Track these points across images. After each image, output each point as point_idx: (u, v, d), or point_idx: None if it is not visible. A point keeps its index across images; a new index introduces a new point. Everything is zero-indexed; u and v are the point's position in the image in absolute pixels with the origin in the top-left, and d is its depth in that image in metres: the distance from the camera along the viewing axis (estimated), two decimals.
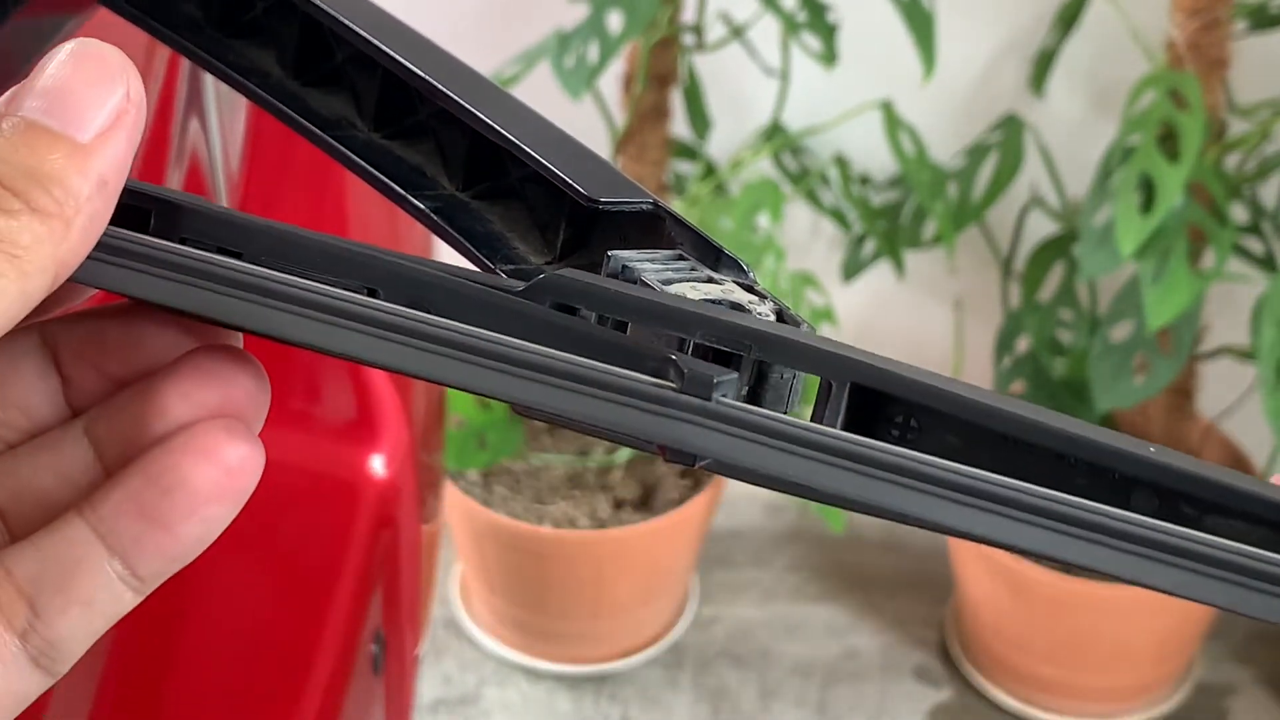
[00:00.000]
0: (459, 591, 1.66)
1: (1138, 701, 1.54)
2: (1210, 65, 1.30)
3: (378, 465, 0.66)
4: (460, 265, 0.31)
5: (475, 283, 0.29)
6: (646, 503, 1.54)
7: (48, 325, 0.30)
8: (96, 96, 0.27)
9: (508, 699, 1.56)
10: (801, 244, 1.65)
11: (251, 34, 0.38)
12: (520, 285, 0.29)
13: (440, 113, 0.35)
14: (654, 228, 0.33)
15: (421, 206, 0.35)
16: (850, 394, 0.28)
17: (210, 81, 0.69)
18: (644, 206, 0.33)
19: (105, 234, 0.28)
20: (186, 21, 0.38)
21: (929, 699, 1.57)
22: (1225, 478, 0.27)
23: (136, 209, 0.29)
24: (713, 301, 0.30)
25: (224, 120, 0.71)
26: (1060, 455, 0.27)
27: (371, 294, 0.29)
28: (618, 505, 1.54)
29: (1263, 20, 1.33)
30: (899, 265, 1.46)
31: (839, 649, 1.62)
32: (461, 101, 0.34)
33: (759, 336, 0.29)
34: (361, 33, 0.35)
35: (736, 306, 0.31)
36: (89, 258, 0.27)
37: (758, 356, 0.29)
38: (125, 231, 0.28)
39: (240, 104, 0.75)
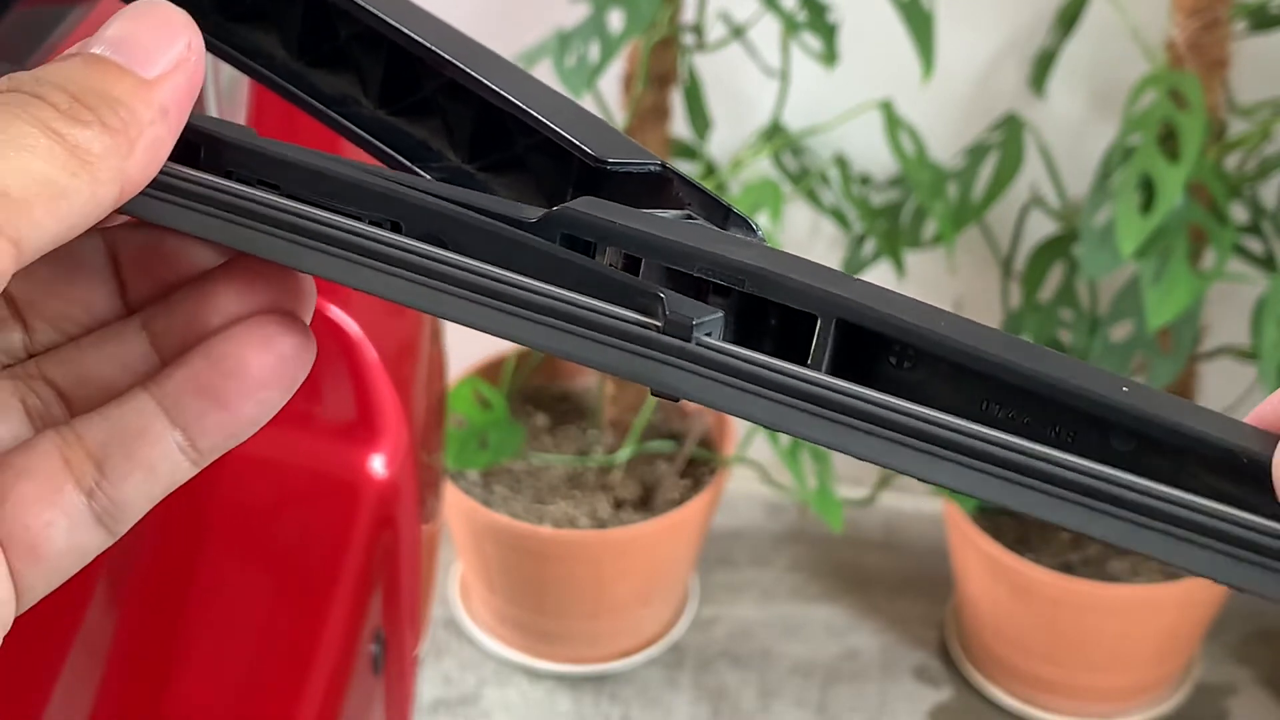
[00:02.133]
0: (459, 591, 1.66)
1: (1138, 701, 1.54)
2: (1210, 65, 1.30)
3: (378, 465, 0.66)
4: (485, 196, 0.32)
5: (493, 215, 0.30)
6: (646, 503, 1.54)
7: (109, 231, 0.33)
8: (160, 43, 0.29)
9: (508, 699, 1.56)
10: (801, 244, 1.65)
11: (254, 17, 0.38)
12: (534, 217, 0.30)
13: (446, 86, 0.35)
14: (662, 188, 0.33)
15: (429, 179, 0.35)
16: (839, 328, 0.28)
17: (211, 80, 0.69)
18: (652, 167, 0.33)
19: (161, 170, 0.30)
20: (190, 6, 0.38)
21: (929, 699, 1.57)
22: (1198, 423, 0.26)
23: (188, 143, 0.31)
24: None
25: (224, 118, 0.71)
26: (1044, 394, 0.27)
27: (394, 227, 0.30)
28: (618, 505, 1.54)
29: (1263, 20, 1.33)
30: (899, 265, 1.46)
31: (839, 649, 1.62)
32: (469, 70, 0.34)
33: (751, 271, 0.29)
34: (367, 7, 0.35)
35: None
36: (146, 193, 0.30)
37: (750, 290, 0.29)
38: (176, 166, 0.31)
39: (240, 102, 0.75)
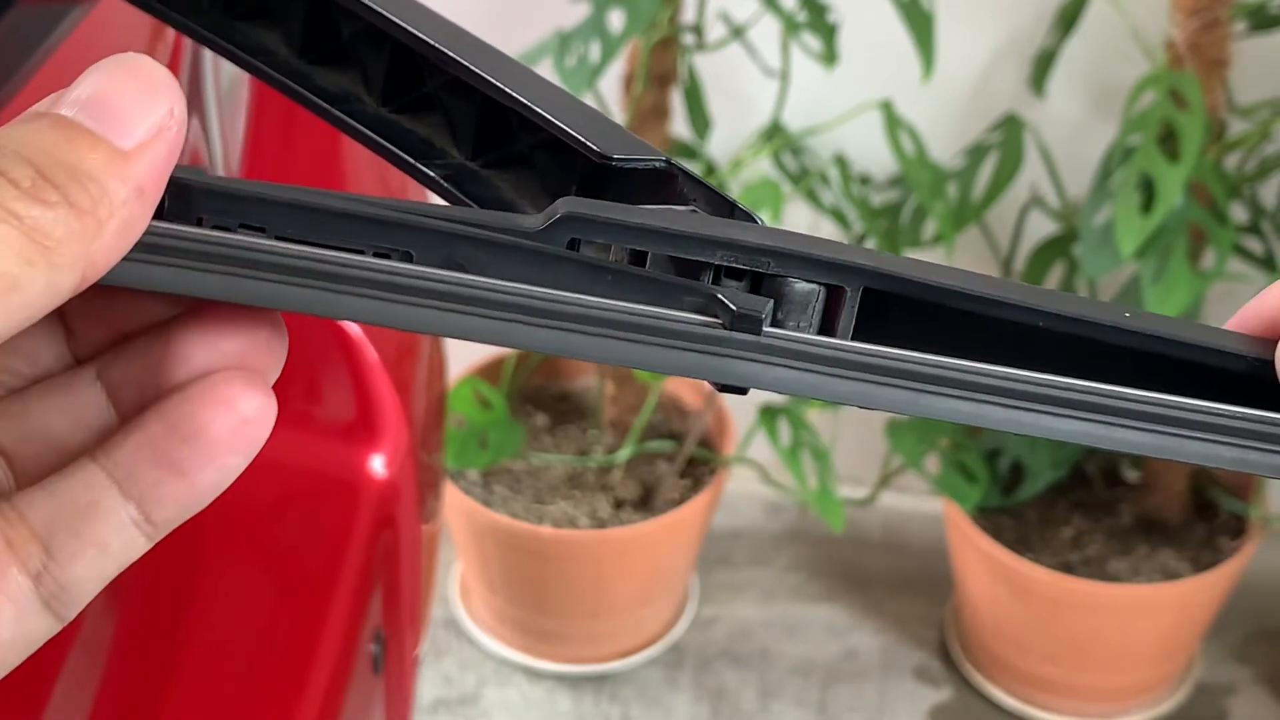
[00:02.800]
0: (459, 591, 1.66)
1: (1138, 701, 1.54)
2: (1210, 65, 1.30)
3: (378, 465, 0.66)
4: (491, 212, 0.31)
5: (500, 231, 0.29)
6: (646, 503, 1.54)
7: None
8: (140, 108, 0.26)
9: (508, 699, 1.56)
10: None
11: (257, 14, 0.38)
12: (537, 226, 0.29)
13: (449, 83, 0.35)
14: (667, 185, 0.33)
15: (432, 175, 0.35)
16: (865, 296, 0.30)
17: (210, 81, 0.69)
18: (657, 164, 0.33)
19: None
20: (192, 4, 0.38)
21: (929, 699, 1.57)
22: (1198, 335, 0.30)
23: None
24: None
25: (224, 119, 0.71)
26: (1072, 334, 0.30)
27: (406, 257, 0.29)
28: (618, 505, 1.54)
29: (1263, 20, 1.33)
30: None
31: (839, 649, 1.62)
32: (472, 66, 0.34)
33: (775, 251, 0.30)
34: (370, 4, 0.35)
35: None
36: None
37: (775, 271, 0.30)
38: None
39: (240, 103, 0.75)
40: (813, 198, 1.49)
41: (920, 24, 1.31)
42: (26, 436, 0.30)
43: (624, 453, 1.54)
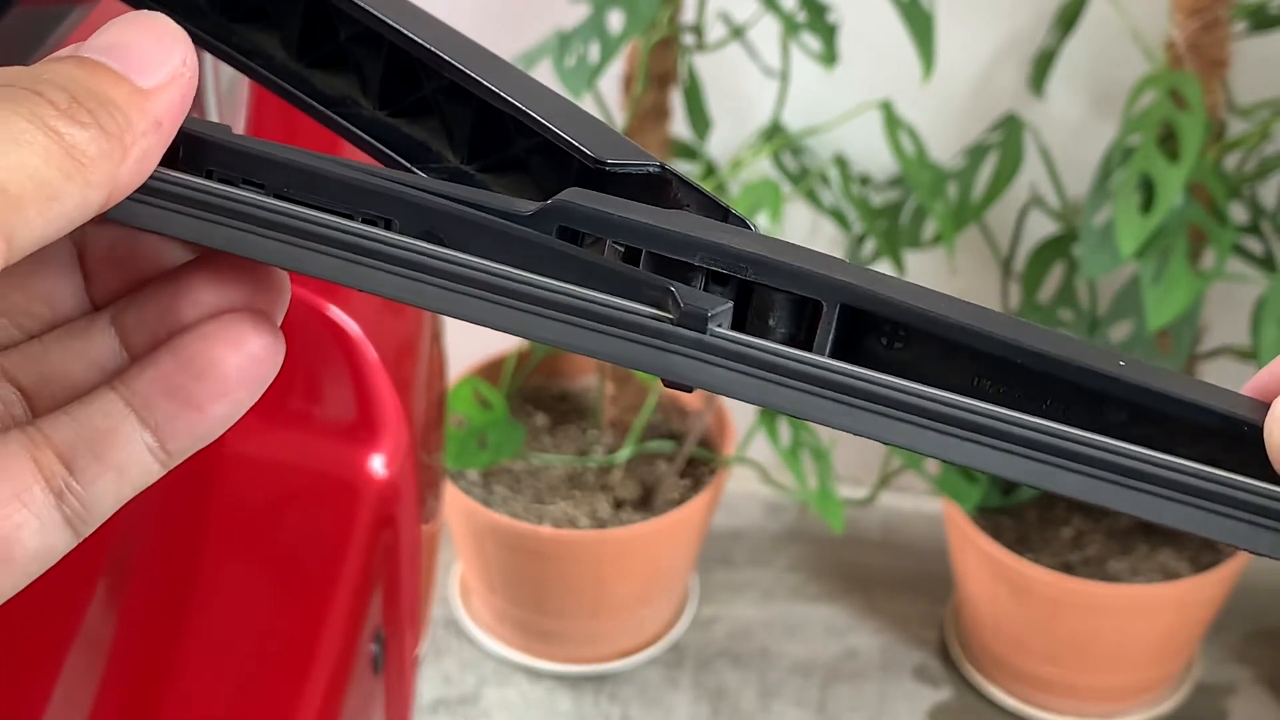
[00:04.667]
0: (459, 591, 1.66)
1: (1138, 701, 1.54)
2: (1210, 65, 1.30)
3: (378, 465, 0.66)
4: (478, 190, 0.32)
5: (489, 210, 0.30)
6: (646, 503, 1.54)
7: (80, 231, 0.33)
8: (156, 54, 0.29)
9: (508, 699, 1.56)
10: (802, 243, 1.65)
11: (254, 17, 0.38)
12: (528, 211, 0.30)
13: (445, 88, 0.35)
14: (661, 190, 0.33)
15: (422, 176, 0.35)
16: (842, 312, 0.29)
17: (210, 81, 0.69)
18: (651, 169, 0.33)
19: None
20: (190, 6, 0.38)
21: (929, 699, 1.57)
22: (1190, 392, 0.28)
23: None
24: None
25: (223, 121, 0.71)
26: (1042, 371, 0.28)
27: (387, 225, 0.30)
28: (618, 505, 1.54)
29: (1263, 20, 1.33)
30: (899, 265, 1.46)
31: (839, 649, 1.62)
32: (468, 71, 0.34)
33: (755, 259, 0.29)
34: (367, 8, 0.35)
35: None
36: (128, 197, 0.29)
37: (753, 278, 0.29)
38: (159, 168, 0.30)
39: (240, 105, 0.75)
40: (813, 198, 1.49)
41: (920, 24, 1.31)
42: (45, 377, 0.32)
43: (624, 453, 1.54)
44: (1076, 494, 0.27)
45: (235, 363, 0.31)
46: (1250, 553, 0.27)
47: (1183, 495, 0.27)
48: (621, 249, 0.31)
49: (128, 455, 0.31)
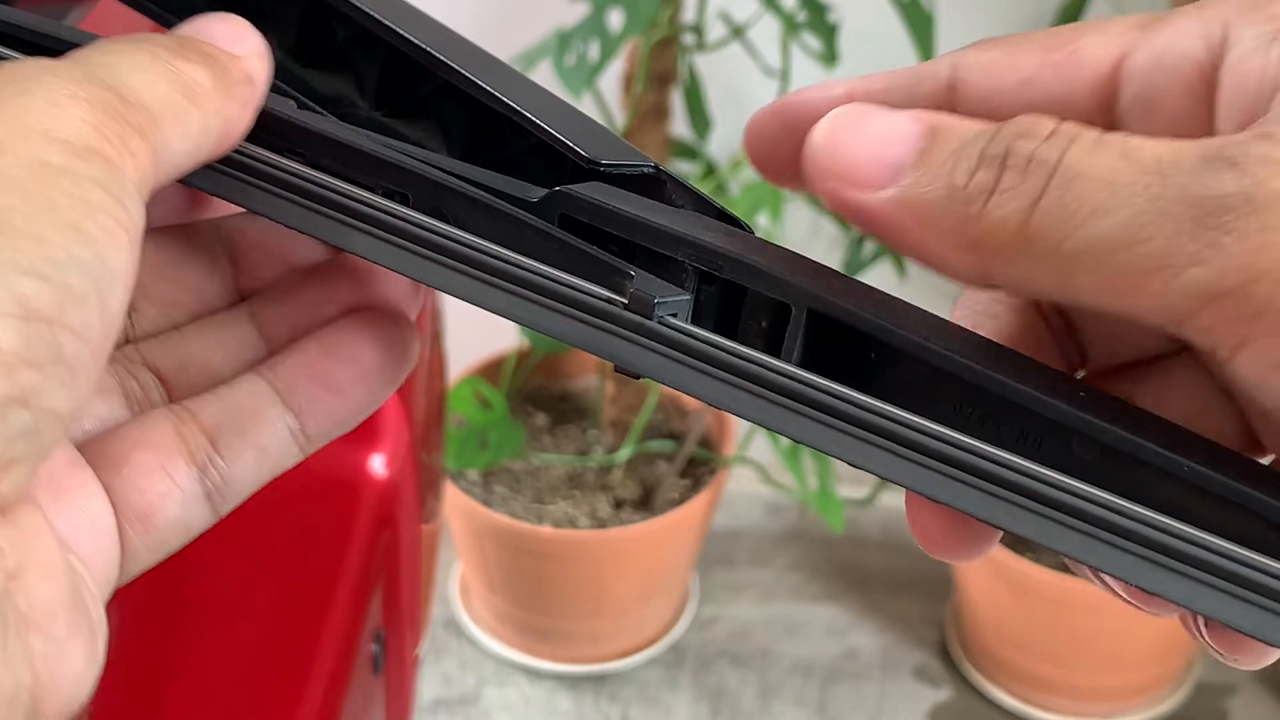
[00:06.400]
0: (459, 591, 1.66)
1: (1138, 701, 1.54)
2: None
3: (378, 465, 0.66)
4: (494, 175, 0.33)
5: (496, 193, 0.31)
6: (646, 503, 1.54)
7: (225, 220, 0.34)
8: (237, 32, 0.31)
9: (508, 699, 1.56)
10: (801, 243, 1.65)
11: (252, 17, 0.38)
12: (536, 196, 0.31)
13: (442, 88, 0.36)
14: (655, 191, 0.33)
15: (450, 159, 0.35)
16: (811, 319, 0.29)
17: None
18: (645, 169, 0.33)
19: None
20: (187, 5, 0.38)
21: (929, 699, 1.57)
22: (1152, 437, 0.26)
23: None
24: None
25: None
26: (1008, 398, 0.27)
27: (403, 199, 0.31)
28: (618, 505, 1.54)
29: None
30: (899, 266, 1.46)
31: (839, 649, 1.62)
32: (464, 72, 0.35)
33: (730, 258, 0.29)
34: (364, 9, 0.35)
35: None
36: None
37: (729, 277, 0.29)
38: None
39: None
40: (813, 198, 1.49)
41: (920, 24, 1.31)
42: (184, 365, 0.33)
43: (624, 453, 1.54)
44: (1033, 537, 0.26)
45: (376, 351, 0.32)
46: (1227, 625, 0.25)
47: (1138, 547, 0.25)
48: (617, 245, 0.31)
49: (271, 436, 0.32)
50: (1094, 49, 0.30)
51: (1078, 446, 0.27)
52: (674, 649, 1.62)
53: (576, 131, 0.34)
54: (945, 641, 1.63)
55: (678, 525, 1.51)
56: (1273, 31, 0.27)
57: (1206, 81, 0.29)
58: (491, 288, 0.30)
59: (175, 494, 0.31)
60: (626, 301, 0.29)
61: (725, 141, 1.57)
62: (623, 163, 0.33)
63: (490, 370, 1.58)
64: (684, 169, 1.57)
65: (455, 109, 0.36)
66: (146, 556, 0.31)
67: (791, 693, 1.57)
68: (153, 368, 0.33)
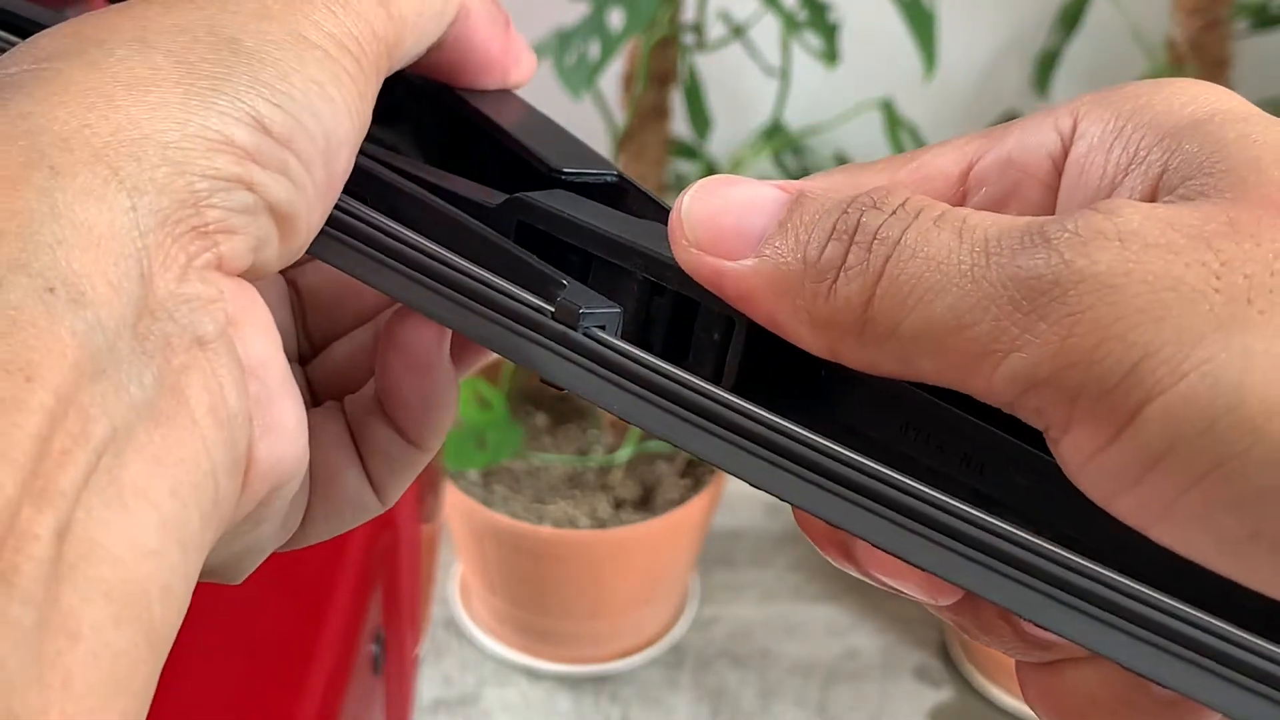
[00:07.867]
0: (459, 591, 1.66)
1: None
2: (1211, 64, 1.30)
3: None
4: (466, 182, 0.33)
5: (456, 198, 0.31)
6: (646, 503, 1.54)
7: (288, 272, 0.36)
8: None
9: (508, 699, 1.56)
10: None
11: None
12: (496, 202, 0.31)
13: (417, 92, 0.36)
14: (617, 200, 0.33)
15: (419, 162, 0.36)
16: (751, 336, 0.28)
17: None
18: (607, 178, 0.33)
19: None
20: None
21: (929, 699, 1.57)
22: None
23: None
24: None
25: None
26: (953, 423, 0.27)
27: (360, 200, 0.31)
28: (618, 505, 1.54)
29: (1263, 20, 1.33)
30: None
31: (839, 649, 1.62)
32: (437, 78, 0.35)
33: (676, 270, 0.28)
34: None
35: None
36: None
37: (676, 288, 0.29)
38: None
39: None
40: None
41: (922, 23, 1.31)
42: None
43: (624, 453, 1.54)
44: (978, 591, 0.24)
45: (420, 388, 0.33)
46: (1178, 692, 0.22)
47: (1084, 604, 0.23)
48: (576, 255, 0.31)
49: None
50: (940, 160, 0.29)
51: (1017, 473, 0.26)
52: (674, 649, 1.62)
53: (541, 139, 0.34)
54: (945, 641, 1.63)
55: (678, 525, 1.51)
56: (1116, 129, 0.27)
57: (1059, 170, 0.28)
58: (421, 286, 0.29)
59: (352, 472, 0.33)
60: (554, 310, 0.28)
61: (725, 141, 1.56)
62: (585, 170, 0.33)
63: (490, 370, 1.58)
64: (684, 169, 1.57)
65: (431, 114, 0.36)
66: (320, 525, 0.34)
67: (792, 693, 1.57)
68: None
